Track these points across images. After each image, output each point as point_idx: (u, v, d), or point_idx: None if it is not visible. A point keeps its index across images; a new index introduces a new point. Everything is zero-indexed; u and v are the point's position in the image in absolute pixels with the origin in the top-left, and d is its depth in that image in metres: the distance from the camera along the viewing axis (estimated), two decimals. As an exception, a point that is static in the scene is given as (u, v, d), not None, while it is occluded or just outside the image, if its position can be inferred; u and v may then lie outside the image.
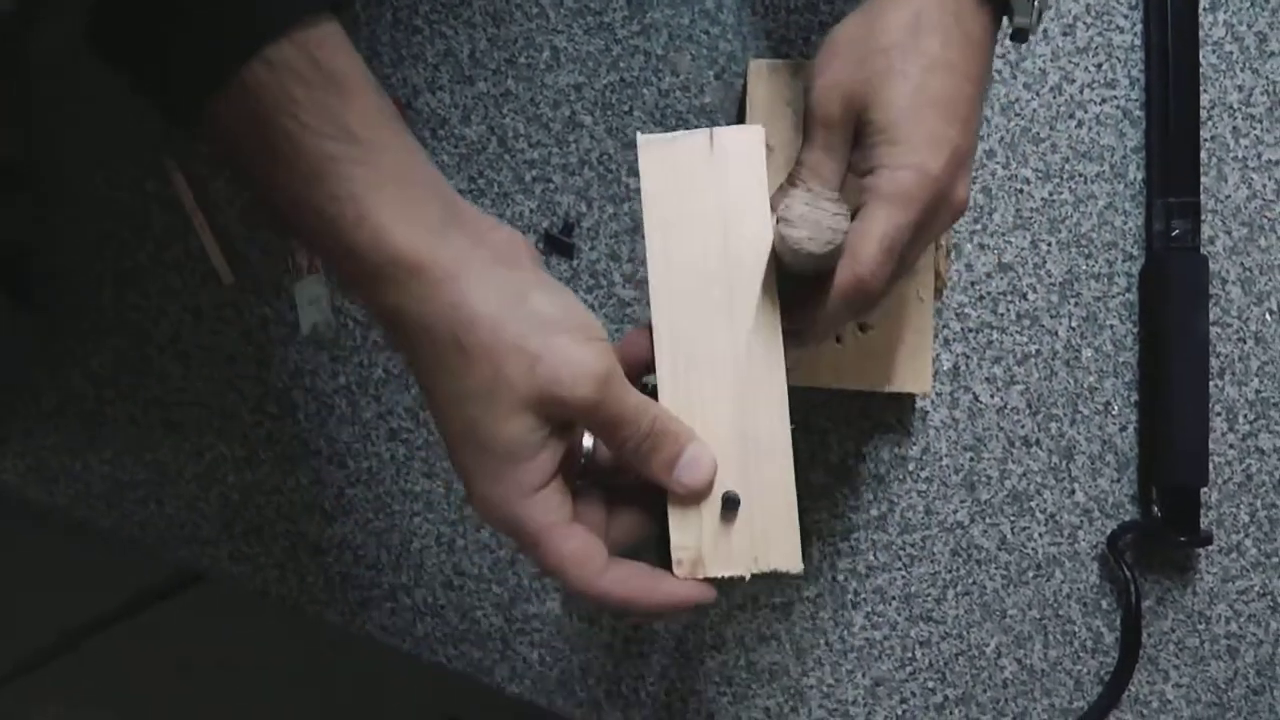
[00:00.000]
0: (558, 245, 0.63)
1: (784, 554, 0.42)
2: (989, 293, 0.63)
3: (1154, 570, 0.63)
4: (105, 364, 0.63)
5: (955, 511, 0.63)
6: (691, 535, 0.42)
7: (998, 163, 0.63)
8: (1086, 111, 0.63)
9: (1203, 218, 0.62)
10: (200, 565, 0.64)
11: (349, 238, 0.37)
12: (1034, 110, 0.63)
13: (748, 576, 0.42)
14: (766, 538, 0.42)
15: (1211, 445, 0.62)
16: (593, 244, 0.63)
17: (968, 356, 0.63)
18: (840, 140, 0.43)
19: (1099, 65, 0.63)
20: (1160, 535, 0.61)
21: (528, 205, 0.63)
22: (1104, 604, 0.63)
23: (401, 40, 0.63)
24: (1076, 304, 0.63)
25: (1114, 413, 0.63)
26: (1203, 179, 0.62)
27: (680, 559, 0.42)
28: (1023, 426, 0.63)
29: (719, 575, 0.42)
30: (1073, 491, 0.63)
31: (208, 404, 0.63)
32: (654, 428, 0.40)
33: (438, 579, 0.63)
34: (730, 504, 0.42)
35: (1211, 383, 0.62)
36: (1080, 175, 0.63)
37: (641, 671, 0.63)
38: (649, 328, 0.43)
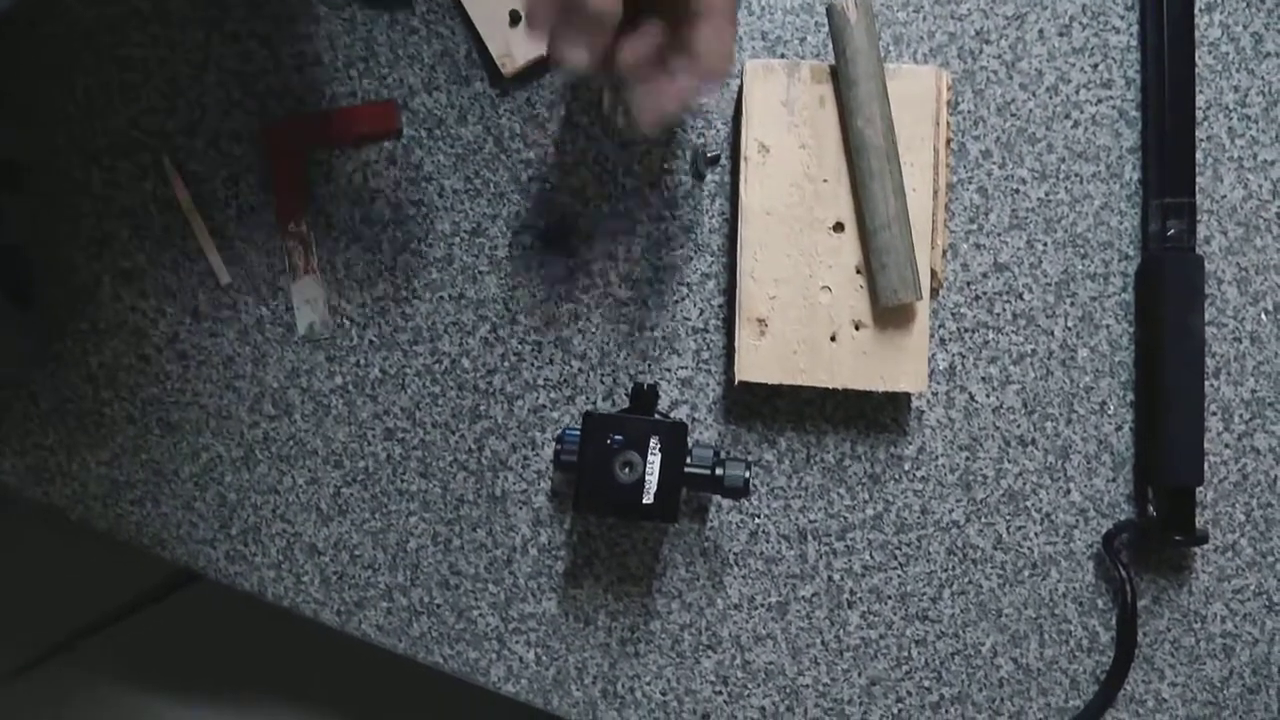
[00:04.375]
0: (554, 245, 0.63)
1: None
2: (985, 292, 0.63)
3: (1150, 569, 0.63)
4: (103, 364, 0.63)
5: (951, 511, 0.63)
6: None
7: (994, 163, 0.63)
8: (1083, 112, 0.63)
9: (1198, 218, 0.63)
10: (197, 565, 0.64)
11: None
12: (1030, 110, 0.63)
13: None
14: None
15: (1207, 445, 0.62)
16: (589, 243, 0.63)
17: (964, 356, 0.63)
18: None
19: (1095, 66, 0.63)
20: (1156, 534, 0.61)
21: (524, 205, 0.63)
22: (1100, 603, 0.63)
23: (398, 40, 0.63)
24: (1072, 304, 0.63)
25: (1110, 412, 0.63)
26: (1198, 179, 0.62)
27: None
28: (1018, 426, 0.63)
29: None
30: (1068, 491, 0.63)
31: (205, 404, 0.63)
32: None
33: (434, 578, 0.63)
34: None
35: (1207, 382, 0.62)
36: (1076, 175, 0.63)
37: (637, 671, 0.63)
38: None
